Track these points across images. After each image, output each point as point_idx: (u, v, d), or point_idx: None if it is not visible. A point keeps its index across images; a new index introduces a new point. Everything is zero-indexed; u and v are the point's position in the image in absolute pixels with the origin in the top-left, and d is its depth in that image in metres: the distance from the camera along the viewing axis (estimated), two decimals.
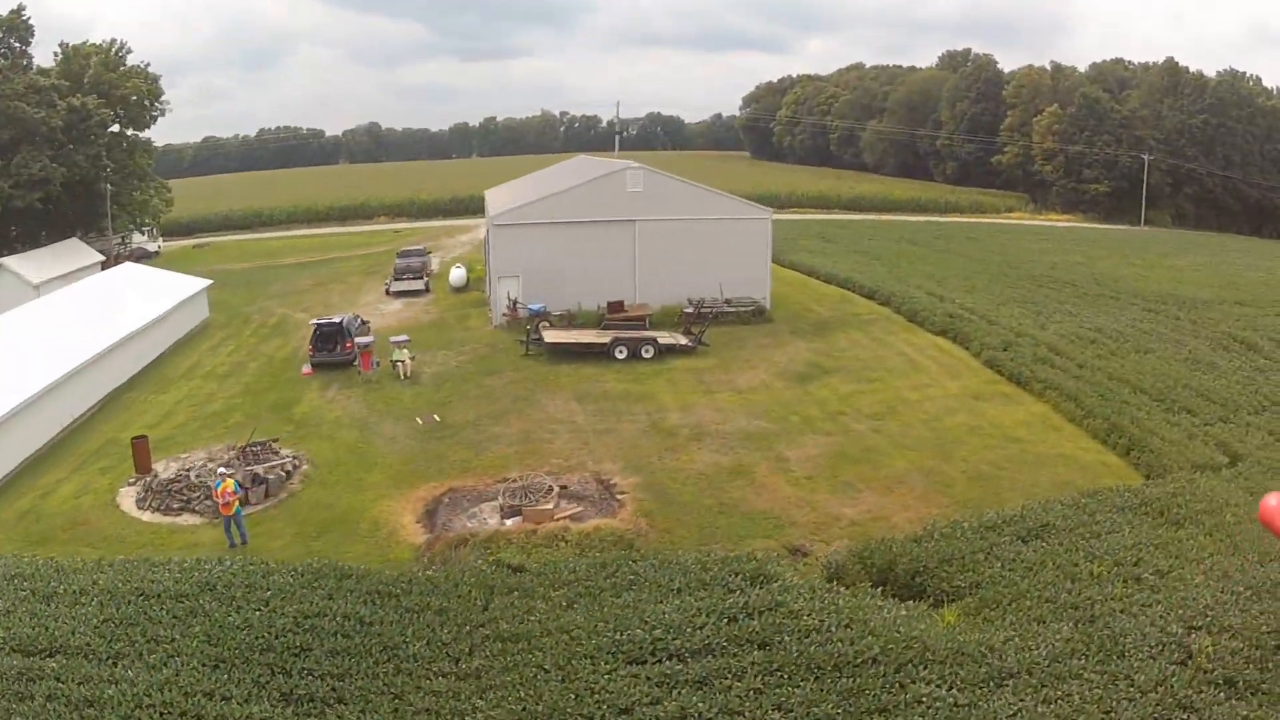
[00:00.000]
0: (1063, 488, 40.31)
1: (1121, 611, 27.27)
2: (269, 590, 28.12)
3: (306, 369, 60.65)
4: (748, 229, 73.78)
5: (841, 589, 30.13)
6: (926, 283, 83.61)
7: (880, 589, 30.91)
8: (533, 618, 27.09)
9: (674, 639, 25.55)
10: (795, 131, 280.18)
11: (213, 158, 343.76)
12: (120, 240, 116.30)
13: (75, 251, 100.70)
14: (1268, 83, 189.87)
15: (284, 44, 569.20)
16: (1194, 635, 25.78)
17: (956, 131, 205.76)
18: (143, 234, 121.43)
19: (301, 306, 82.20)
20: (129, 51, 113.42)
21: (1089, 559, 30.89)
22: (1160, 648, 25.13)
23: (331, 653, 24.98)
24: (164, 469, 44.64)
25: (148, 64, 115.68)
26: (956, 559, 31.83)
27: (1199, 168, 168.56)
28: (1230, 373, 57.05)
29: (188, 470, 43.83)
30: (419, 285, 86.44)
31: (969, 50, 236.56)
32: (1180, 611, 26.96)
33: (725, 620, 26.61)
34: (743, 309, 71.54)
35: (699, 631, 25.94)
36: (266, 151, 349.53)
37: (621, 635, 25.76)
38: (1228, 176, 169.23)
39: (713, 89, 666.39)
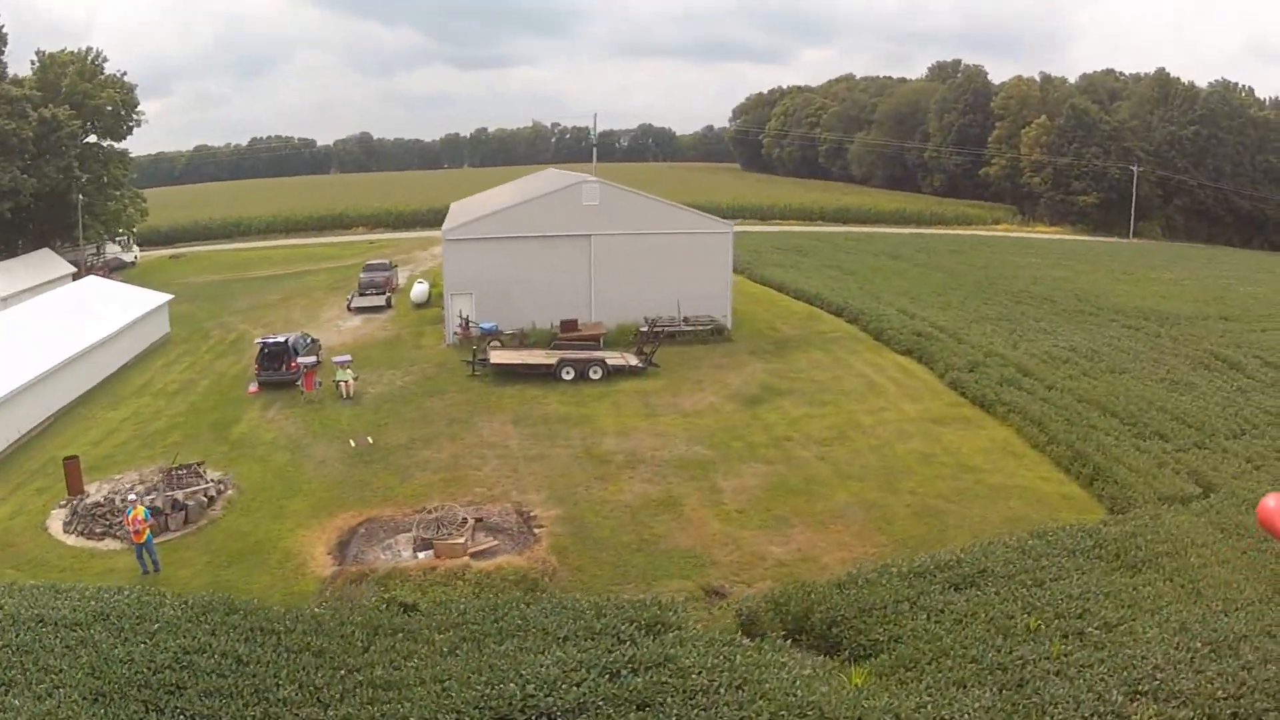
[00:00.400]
0: (1014, 524, 37.85)
1: (1056, 673, 24.53)
2: (157, 623, 27.14)
3: (253, 388, 59.47)
4: (707, 244, 70.94)
5: (745, 642, 27.78)
6: (899, 299, 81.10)
7: (794, 640, 28.75)
8: (411, 664, 25.56)
9: (546, 695, 23.26)
10: (784, 143, 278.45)
11: (204, 166, 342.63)
12: (94, 251, 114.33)
13: (46, 263, 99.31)
14: (1260, 94, 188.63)
15: (280, 50, 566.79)
16: (1136, 702, 23.04)
17: (944, 143, 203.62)
18: (116, 244, 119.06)
19: (262, 322, 79.68)
20: (105, 60, 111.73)
21: (1027, 611, 28.17)
22: (1094, 718, 22.24)
23: (205, 692, 23.79)
24: (96, 490, 43.55)
25: (124, 73, 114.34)
26: (878, 609, 29.14)
27: (1189, 179, 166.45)
28: (1209, 394, 54.55)
29: (115, 493, 42.67)
30: (380, 301, 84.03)
31: (959, 61, 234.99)
32: (1124, 673, 24.23)
33: (606, 676, 24.29)
34: (700, 327, 68.87)
35: (575, 689, 23.59)
36: (258, 160, 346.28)
37: (493, 689, 23.55)
38: (1219, 188, 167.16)
39: (710, 100, 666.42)
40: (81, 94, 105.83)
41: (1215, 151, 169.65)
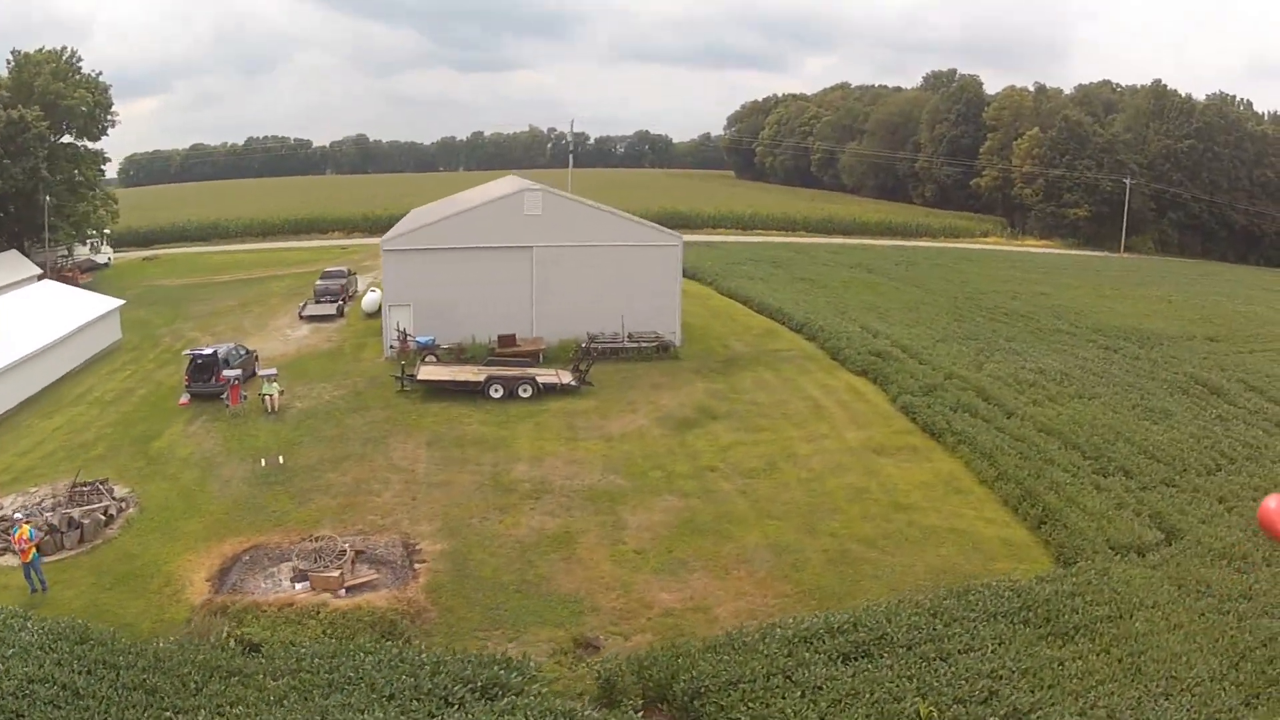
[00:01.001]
0: (939, 576, 34.31)
1: None
2: (13, 648, 26.27)
3: (183, 399, 57.14)
4: (655, 256, 67.10)
5: (591, 715, 24.78)
6: (866, 315, 77.28)
7: (652, 711, 25.93)
8: (236, 710, 24.26)
9: None
10: (776, 152, 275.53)
11: (200, 165, 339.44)
12: (65, 253, 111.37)
13: (12, 265, 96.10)
14: (1259, 108, 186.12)
15: (283, 50, 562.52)
16: None
17: (936, 154, 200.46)
18: (85, 245, 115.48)
19: (213, 330, 76.34)
20: (80, 60, 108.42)
21: (921, 692, 24.53)
22: None
23: None
24: (10, 503, 41.89)
25: (99, 73, 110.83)
26: (748, 681, 25.46)
27: (1184, 192, 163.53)
28: (1185, 423, 50.82)
29: (23, 508, 40.65)
30: (331, 310, 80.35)
31: (954, 71, 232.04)
32: None
33: None
34: (644, 344, 65.05)
35: None
36: (254, 160, 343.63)
37: None
38: (1214, 202, 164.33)
39: (711, 107, 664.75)
40: (54, 94, 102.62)
41: (1211, 165, 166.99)
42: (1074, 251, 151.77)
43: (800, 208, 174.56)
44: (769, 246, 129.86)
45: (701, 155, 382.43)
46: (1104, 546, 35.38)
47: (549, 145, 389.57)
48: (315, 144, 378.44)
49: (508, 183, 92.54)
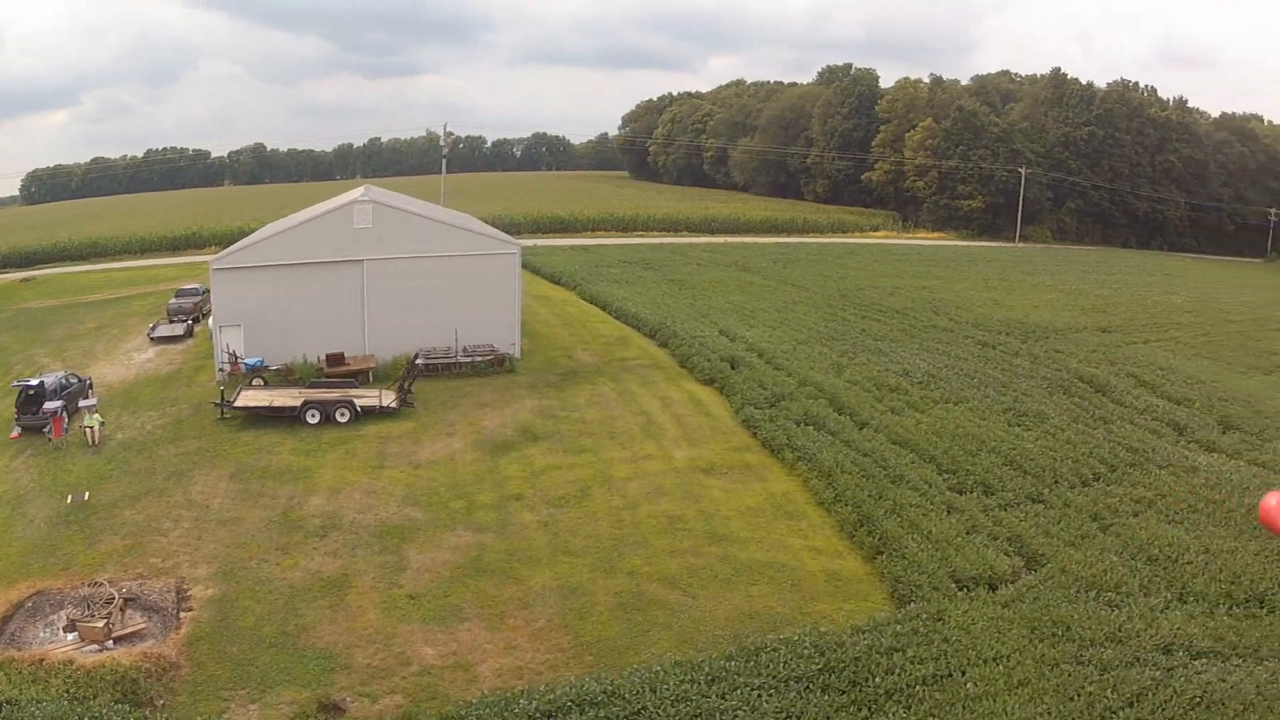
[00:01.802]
0: (745, 623, 30.39)
1: None
2: None
3: (14, 432, 53.84)
4: (492, 266, 63.95)
5: None
6: (728, 317, 73.27)
7: None
8: None
9: None
10: (669, 151, 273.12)
11: (101, 179, 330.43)
12: None
13: None
14: (1165, 94, 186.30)
15: (188, 59, 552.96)
16: None
17: (828, 148, 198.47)
18: None
19: (64, 355, 72.24)
20: None
21: None
22: None
23: None
24: None
25: None
26: None
27: (1083, 180, 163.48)
28: (1062, 427, 47.33)
29: None
30: (179, 330, 76.44)
31: (849, 65, 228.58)
32: None
33: None
34: (480, 358, 61.69)
35: None
36: (154, 173, 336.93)
37: None
38: (1114, 189, 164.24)
39: (613, 108, 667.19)
40: None
41: (1112, 152, 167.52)
42: (966, 243, 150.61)
43: (684, 208, 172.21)
44: (645, 248, 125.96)
45: (599, 156, 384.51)
46: (946, 580, 31.05)
47: (446, 150, 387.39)
48: (214, 155, 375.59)
49: (351, 194, 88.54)
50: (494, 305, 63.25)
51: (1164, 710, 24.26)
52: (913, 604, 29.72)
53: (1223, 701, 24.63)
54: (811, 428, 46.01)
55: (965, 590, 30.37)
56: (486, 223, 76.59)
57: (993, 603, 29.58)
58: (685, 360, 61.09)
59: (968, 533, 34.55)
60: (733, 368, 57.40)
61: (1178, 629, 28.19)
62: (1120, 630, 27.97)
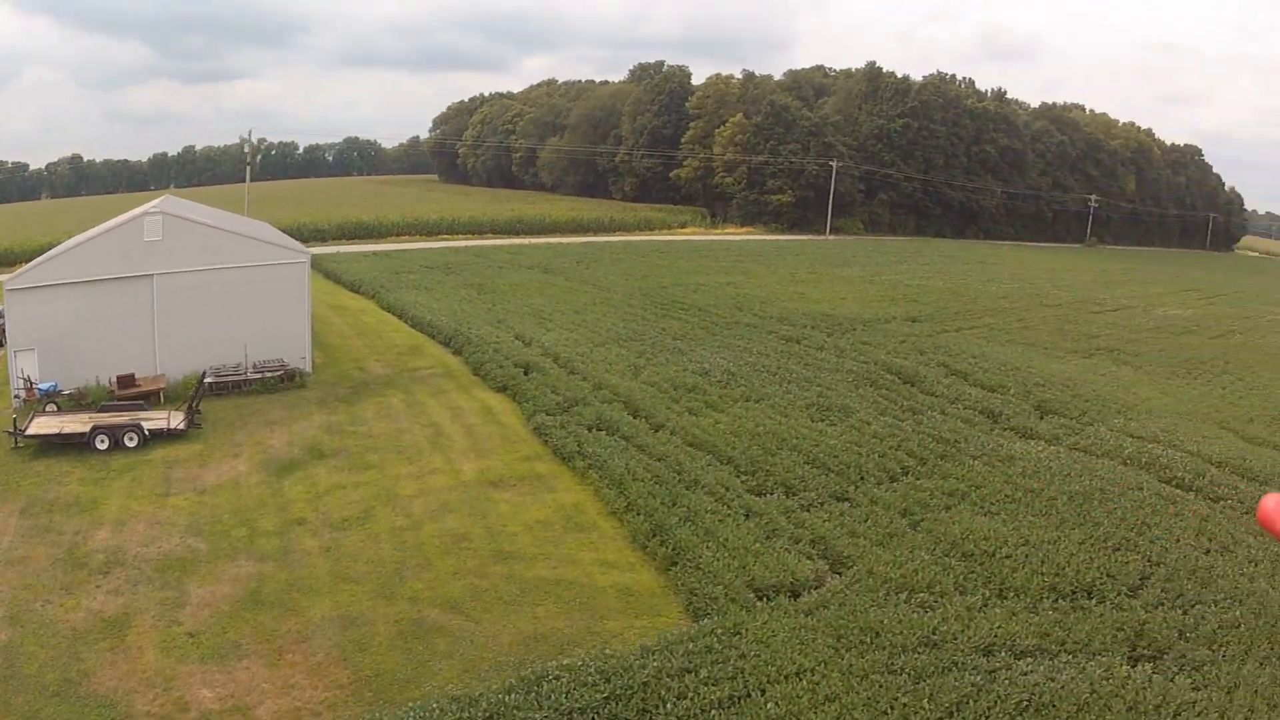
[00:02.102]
0: (531, 646, 28.34)
1: None
2: None
3: None
4: (281, 276, 61.42)
5: None
6: (525, 321, 71.12)
7: None
8: None
9: None
10: (479, 152, 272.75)
11: None
12: None
13: None
14: (982, 85, 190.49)
15: (13, 66, 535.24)
16: None
17: (637, 146, 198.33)
18: None
19: None
20: None
21: None
22: None
23: None
24: None
25: None
26: None
27: (896, 172, 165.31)
28: (868, 420, 46.06)
29: None
30: None
31: (661, 63, 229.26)
32: None
33: None
34: (270, 374, 59.00)
35: None
36: None
37: None
38: (928, 180, 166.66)
39: (428, 110, 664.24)
40: None
41: (926, 144, 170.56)
42: (776, 237, 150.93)
43: (491, 210, 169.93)
44: (449, 252, 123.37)
45: (410, 160, 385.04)
46: (744, 590, 29.03)
47: (259, 157, 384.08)
48: (32, 167, 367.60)
49: (145, 206, 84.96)
50: (284, 318, 60.87)
51: (988, 717, 22.85)
52: (708, 618, 27.60)
53: (1053, 703, 23.49)
54: (604, 433, 43.97)
55: (765, 600, 28.42)
56: (289, 231, 73.70)
57: (795, 612, 27.69)
58: (478, 368, 58.76)
59: (768, 537, 32.69)
60: (526, 374, 55.32)
61: (998, 628, 26.79)
62: (935, 633, 26.46)
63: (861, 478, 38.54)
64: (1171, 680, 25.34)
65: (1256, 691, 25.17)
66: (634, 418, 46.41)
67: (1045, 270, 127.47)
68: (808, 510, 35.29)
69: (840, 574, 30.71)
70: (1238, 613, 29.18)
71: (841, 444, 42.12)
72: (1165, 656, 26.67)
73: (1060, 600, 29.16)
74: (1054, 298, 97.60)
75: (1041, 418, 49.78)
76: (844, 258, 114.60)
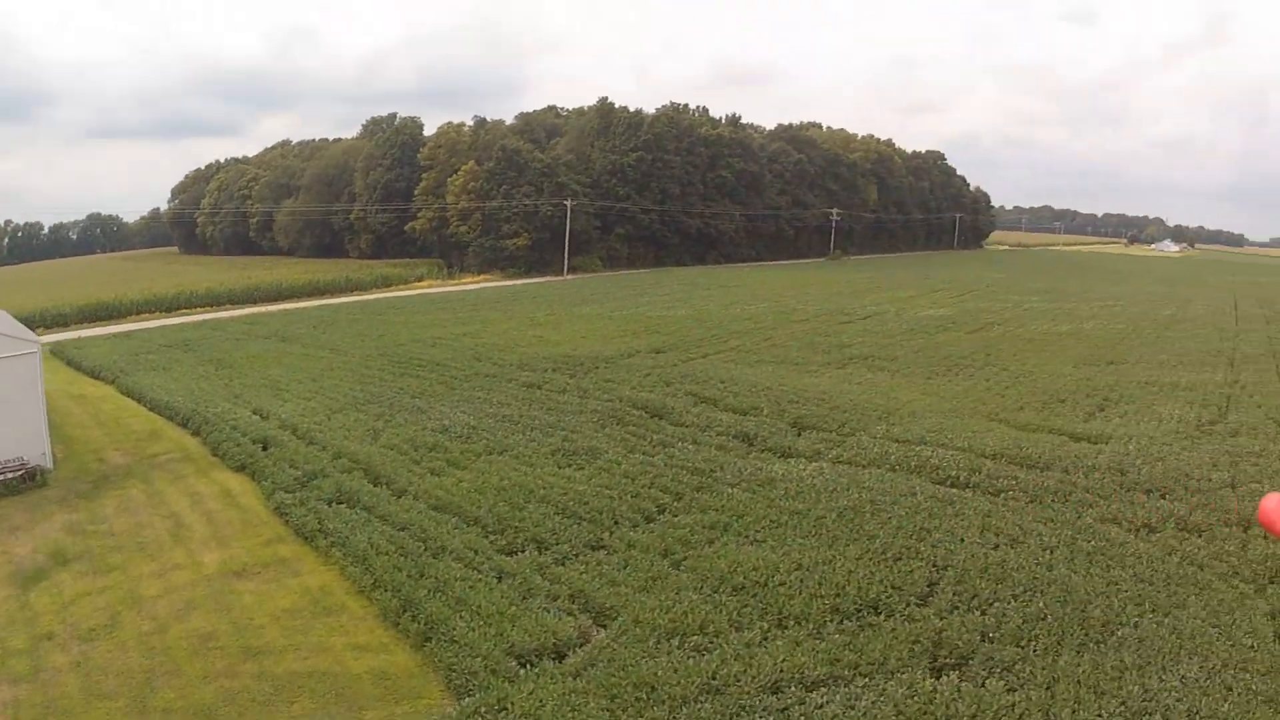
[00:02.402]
0: None
1: None
2: None
3: None
4: (11, 369, 56.00)
5: None
6: (263, 393, 68.06)
7: None
8: None
9: None
10: (217, 220, 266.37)
11: None
12: None
13: None
14: (716, 113, 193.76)
15: None
16: None
17: (371, 202, 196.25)
18: None
19: None
20: None
21: None
22: None
23: None
24: None
25: None
26: None
27: (632, 205, 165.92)
28: (617, 460, 44.69)
29: None
30: None
31: (394, 115, 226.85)
32: None
33: None
34: (10, 474, 54.02)
35: None
36: None
37: None
38: (665, 210, 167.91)
39: (167, 180, 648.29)
40: None
41: (661, 174, 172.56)
42: (514, 282, 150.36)
43: (229, 278, 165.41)
44: (188, 327, 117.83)
45: (152, 233, 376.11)
46: (505, 659, 27.29)
47: (4, 240, 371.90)
48: None
49: None
50: (19, 413, 55.45)
51: None
52: (470, 695, 25.87)
53: None
54: (345, 506, 41.57)
55: (529, 666, 26.71)
56: (31, 317, 69.43)
57: (562, 675, 26.03)
58: (216, 448, 55.31)
59: (523, 598, 30.92)
60: (265, 449, 52.32)
61: (784, 661, 25.56)
62: (716, 678, 25.15)
63: (616, 522, 36.93)
64: (983, 686, 24.60)
65: (1079, 681, 24.58)
66: (375, 485, 44.04)
67: (791, 287, 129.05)
68: (562, 564, 33.59)
69: (605, 627, 29.10)
70: (1041, 604, 28.74)
71: (591, 489, 40.48)
72: (971, 662, 25.80)
73: (846, 621, 28.07)
74: (801, 313, 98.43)
75: (799, 435, 49.20)
76: (583, 296, 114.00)
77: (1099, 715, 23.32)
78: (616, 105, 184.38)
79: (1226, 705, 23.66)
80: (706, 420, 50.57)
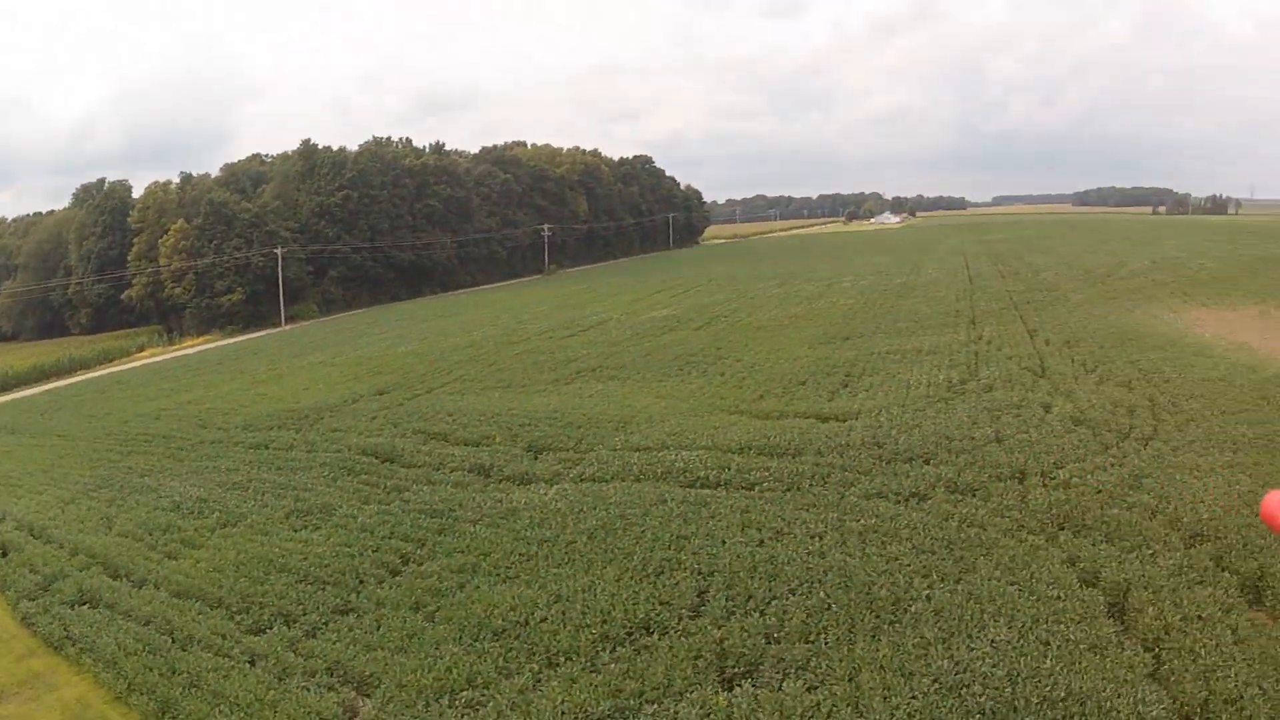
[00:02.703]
0: None
1: None
2: None
3: None
4: None
5: None
6: None
7: None
8: None
9: None
10: None
11: None
12: None
13: None
14: (420, 142, 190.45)
15: None
16: None
17: (87, 273, 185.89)
18: None
19: None
20: None
21: None
22: None
23: None
24: None
25: None
26: None
27: (343, 246, 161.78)
28: (353, 515, 41.47)
29: None
30: None
31: (103, 181, 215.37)
32: None
33: None
34: None
35: None
36: None
37: None
38: (375, 247, 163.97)
39: None
40: None
41: (370, 211, 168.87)
42: (233, 340, 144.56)
43: None
44: None
45: None
46: None
47: None
48: None
49: None
50: None
51: None
52: None
53: None
54: (88, 607, 37.62)
55: None
56: None
57: None
58: None
59: (279, 680, 28.39)
60: (4, 555, 46.91)
61: (562, 703, 23.80)
62: None
63: (361, 581, 34.34)
64: (780, 690, 22.99)
65: (882, 666, 23.32)
66: (115, 579, 39.98)
67: (510, 308, 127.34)
68: (313, 636, 31.07)
69: (370, 696, 26.98)
70: (822, 594, 27.26)
71: (330, 549, 37.57)
72: (761, 667, 24.20)
73: (619, 648, 26.17)
74: (523, 333, 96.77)
75: (536, 458, 47.12)
76: (303, 345, 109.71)
77: (912, 697, 22.08)
78: (320, 145, 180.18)
79: (1048, 661, 22.83)
80: (439, 458, 48.31)
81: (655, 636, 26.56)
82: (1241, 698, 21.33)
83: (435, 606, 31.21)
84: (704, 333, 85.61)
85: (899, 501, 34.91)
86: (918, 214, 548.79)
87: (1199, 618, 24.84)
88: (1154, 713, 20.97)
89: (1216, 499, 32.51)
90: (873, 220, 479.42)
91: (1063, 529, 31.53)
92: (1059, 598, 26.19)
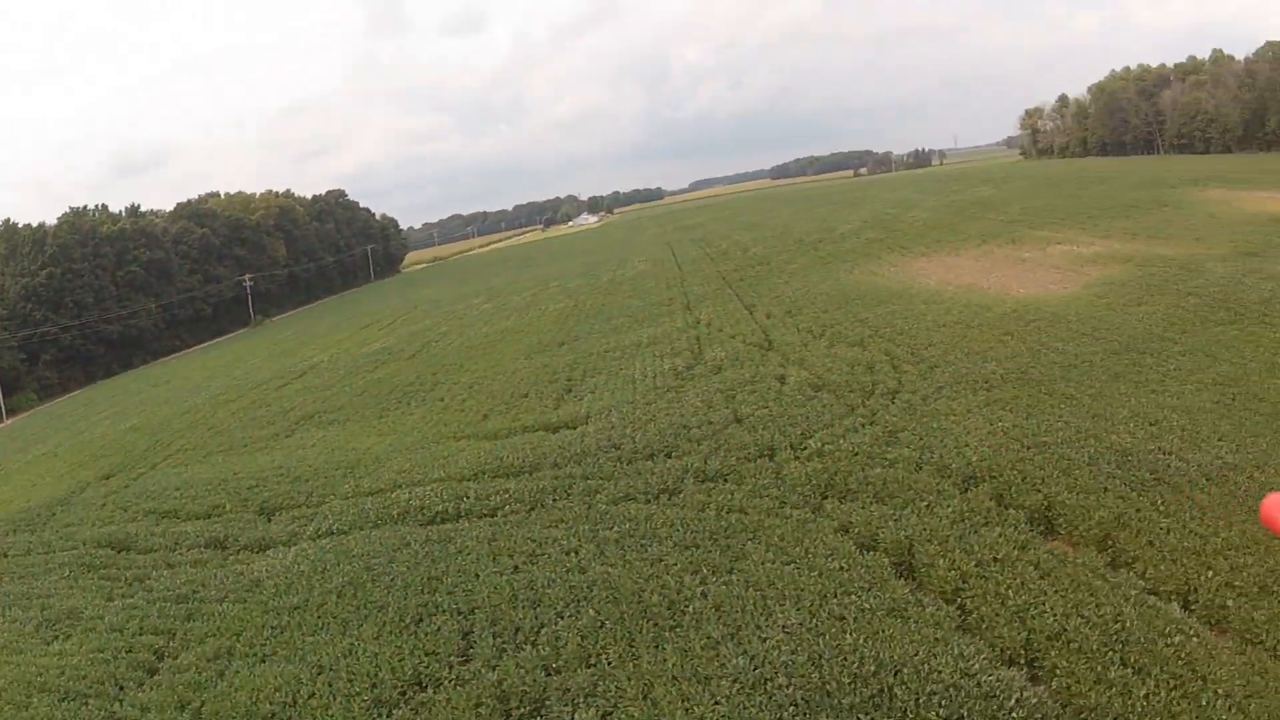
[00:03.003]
0: None
1: None
2: None
3: None
4: None
5: None
6: None
7: None
8: None
9: None
10: None
11: None
12: None
13: None
14: (116, 207, 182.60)
15: None
16: None
17: None
18: None
19: None
20: None
21: None
22: None
23: None
24: None
25: None
26: None
27: (52, 327, 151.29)
28: (99, 615, 36.31)
29: None
30: None
31: None
32: None
33: None
34: None
35: None
36: None
37: None
38: (84, 324, 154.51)
39: None
40: None
41: (74, 286, 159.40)
42: None
43: None
44: None
45: None
46: None
47: None
48: None
49: None
50: None
51: None
52: None
53: None
54: None
55: None
56: None
57: None
58: None
59: None
60: None
61: None
62: None
63: (121, 688, 29.53)
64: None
65: (674, 676, 21.99)
66: None
67: (221, 366, 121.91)
68: None
69: None
70: (591, 612, 25.63)
71: (85, 658, 32.45)
72: (547, 703, 22.28)
73: (395, 711, 23.77)
74: (235, 389, 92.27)
75: (270, 520, 43.43)
76: (25, 439, 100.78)
77: (715, 703, 20.68)
78: (20, 224, 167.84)
79: (848, 636, 21.86)
80: (173, 537, 43.85)
81: (430, 691, 24.28)
82: (1065, 630, 20.95)
83: (199, 704, 27.23)
84: (417, 360, 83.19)
85: (649, 501, 33.57)
86: (615, 211, 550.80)
87: (995, 559, 24.49)
88: (976, 665, 20.32)
89: (983, 439, 32.58)
90: (571, 223, 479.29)
91: (826, 498, 30.86)
92: (842, 569, 25.34)
